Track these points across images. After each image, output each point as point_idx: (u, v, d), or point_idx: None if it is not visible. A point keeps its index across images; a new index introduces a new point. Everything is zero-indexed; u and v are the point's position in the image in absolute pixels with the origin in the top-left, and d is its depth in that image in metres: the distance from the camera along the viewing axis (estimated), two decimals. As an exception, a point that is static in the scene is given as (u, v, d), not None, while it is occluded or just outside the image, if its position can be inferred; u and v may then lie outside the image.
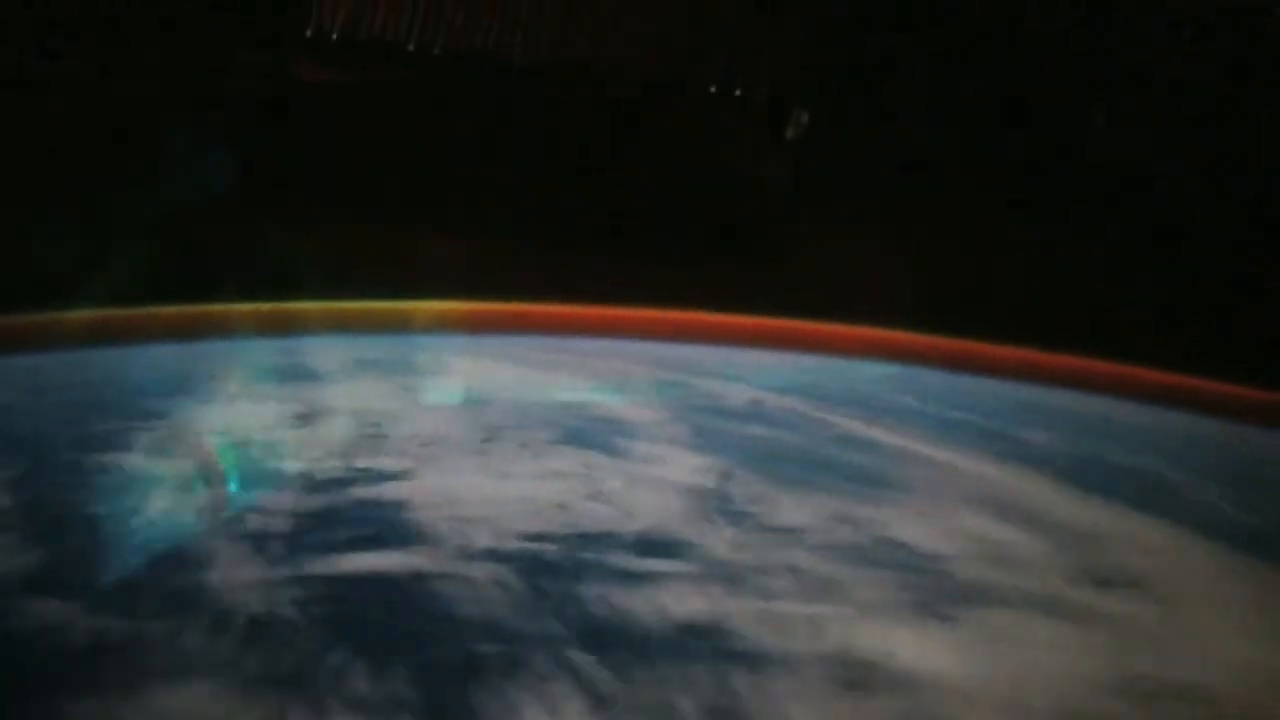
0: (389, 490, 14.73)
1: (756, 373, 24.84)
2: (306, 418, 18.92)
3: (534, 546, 12.60)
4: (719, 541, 12.92)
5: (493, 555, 12.33)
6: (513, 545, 12.60)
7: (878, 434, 19.96)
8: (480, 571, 11.87)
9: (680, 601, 11.29)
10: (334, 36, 4.53)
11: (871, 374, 26.14)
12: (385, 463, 16.08)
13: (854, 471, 16.77)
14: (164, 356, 23.52)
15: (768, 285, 22.00)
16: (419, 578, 11.66)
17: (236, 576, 11.70)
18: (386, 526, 13.22)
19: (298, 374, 22.75)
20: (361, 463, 15.97)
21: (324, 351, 24.88)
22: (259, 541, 12.83)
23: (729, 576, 12.00)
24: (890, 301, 24.99)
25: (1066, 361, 26.65)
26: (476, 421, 18.92)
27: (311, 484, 15.01)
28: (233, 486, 14.97)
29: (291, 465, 15.89)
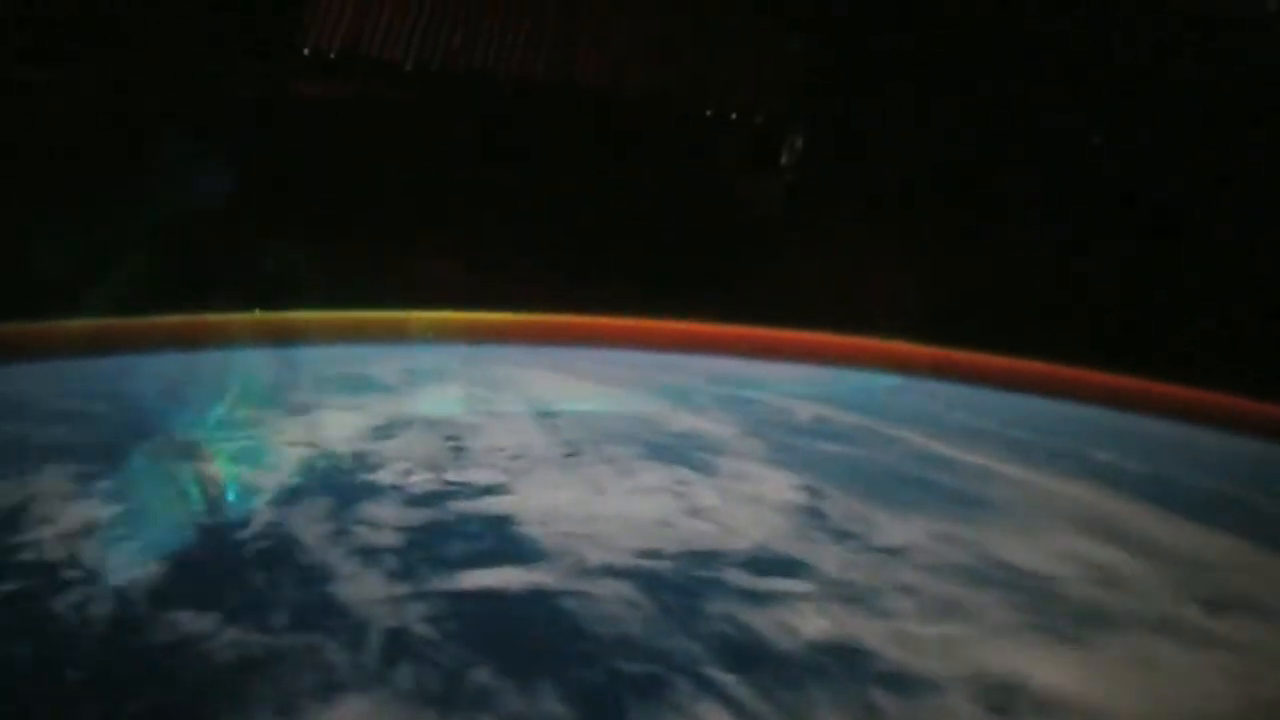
0: (489, 505, 14.78)
1: (805, 385, 24.88)
2: (385, 429, 18.96)
3: (648, 564, 12.62)
4: (828, 560, 12.94)
5: (610, 572, 12.35)
6: (627, 562, 12.63)
7: (951, 451, 19.97)
8: (602, 589, 11.90)
9: (806, 621, 11.31)
10: (331, 56, 4.63)
11: (916, 389, 26.19)
12: (477, 476, 16.12)
13: (942, 490, 16.78)
14: (207, 364, 23.59)
15: (773, 297, 21.86)
16: (542, 594, 11.69)
17: (361, 591, 11.74)
18: (497, 542, 13.26)
19: (357, 384, 22.82)
20: (454, 476, 16.00)
21: (373, 362, 25.01)
22: (373, 556, 12.87)
23: (848, 596, 12.01)
24: (897, 312, 24.94)
25: (1098, 378, 26.67)
26: (554, 435, 18.96)
27: (411, 498, 15.05)
28: (326, 498, 15.01)
29: (384, 478, 15.93)
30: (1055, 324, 25.73)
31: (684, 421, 20.49)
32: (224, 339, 24.78)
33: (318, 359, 24.84)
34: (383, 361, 24.67)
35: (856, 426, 21.44)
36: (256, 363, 23.94)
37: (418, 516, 13.99)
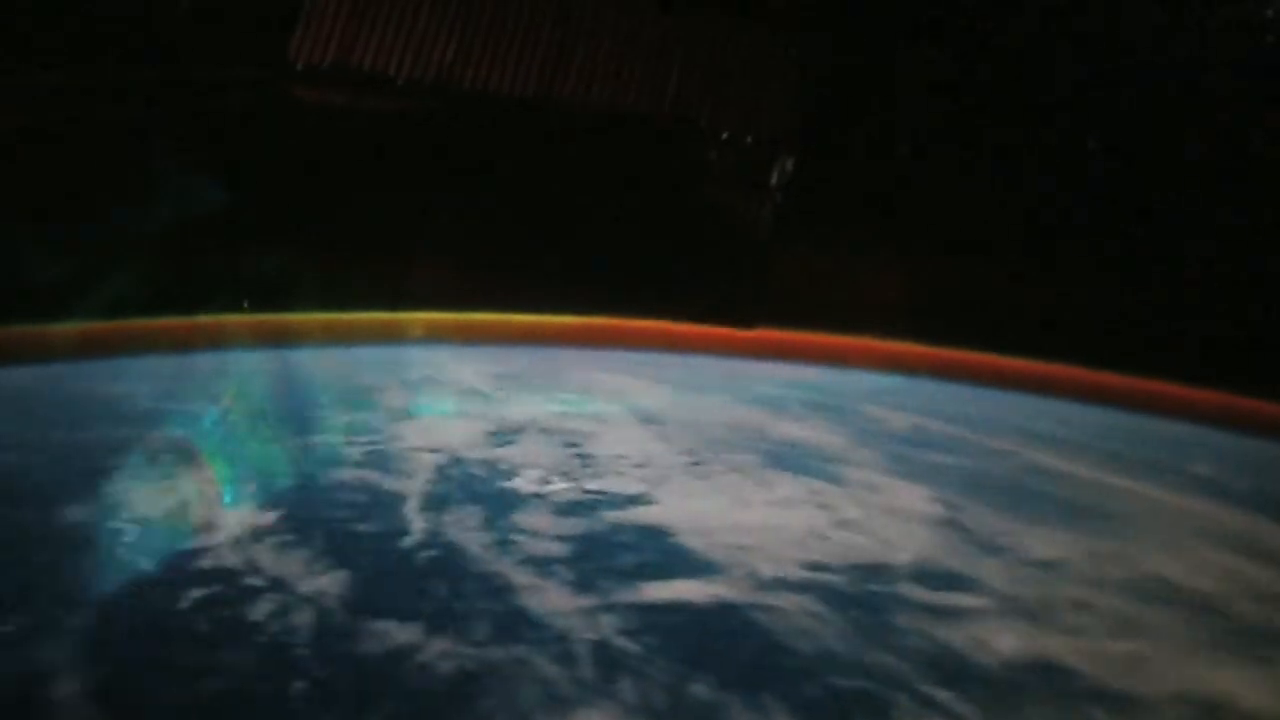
0: (639, 515, 14.85)
1: (886, 393, 25.00)
2: (501, 435, 19.04)
3: (821, 577, 12.72)
4: (991, 575, 13.03)
5: (785, 585, 12.44)
6: (799, 575, 12.72)
7: (1059, 463, 20.10)
8: (785, 602, 11.99)
9: (997, 637, 11.40)
10: (323, 69, 4.70)
11: (977, 396, 26.32)
12: (615, 485, 16.20)
13: (1068, 504, 16.89)
14: (279, 364, 23.63)
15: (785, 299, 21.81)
16: (730, 608, 11.78)
17: (549, 603, 11.83)
18: (662, 554, 13.35)
19: (446, 388, 22.89)
20: (592, 485, 16.08)
21: (445, 365, 25.05)
22: (545, 566, 12.95)
23: (1026, 612, 12.11)
24: (899, 314, 24.95)
25: (1176, 390, 26.76)
26: (669, 443, 19.05)
27: (558, 507, 15.13)
28: (475, 506, 15.09)
29: (523, 486, 16.01)
30: (1121, 336, 25.79)
31: (787, 429, 20.59)
32: (278, 340, 24.82)
33: (382, 361, 24.89)
34: (457, 365, 24.72)
35: (955, 437, 21.55)
36: (334, 364, 24.01)
37: (573, 526, 14.06)
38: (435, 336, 26.74)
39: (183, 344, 23.05)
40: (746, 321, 4.93)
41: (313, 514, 14.37)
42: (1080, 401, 26.23)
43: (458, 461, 16.99)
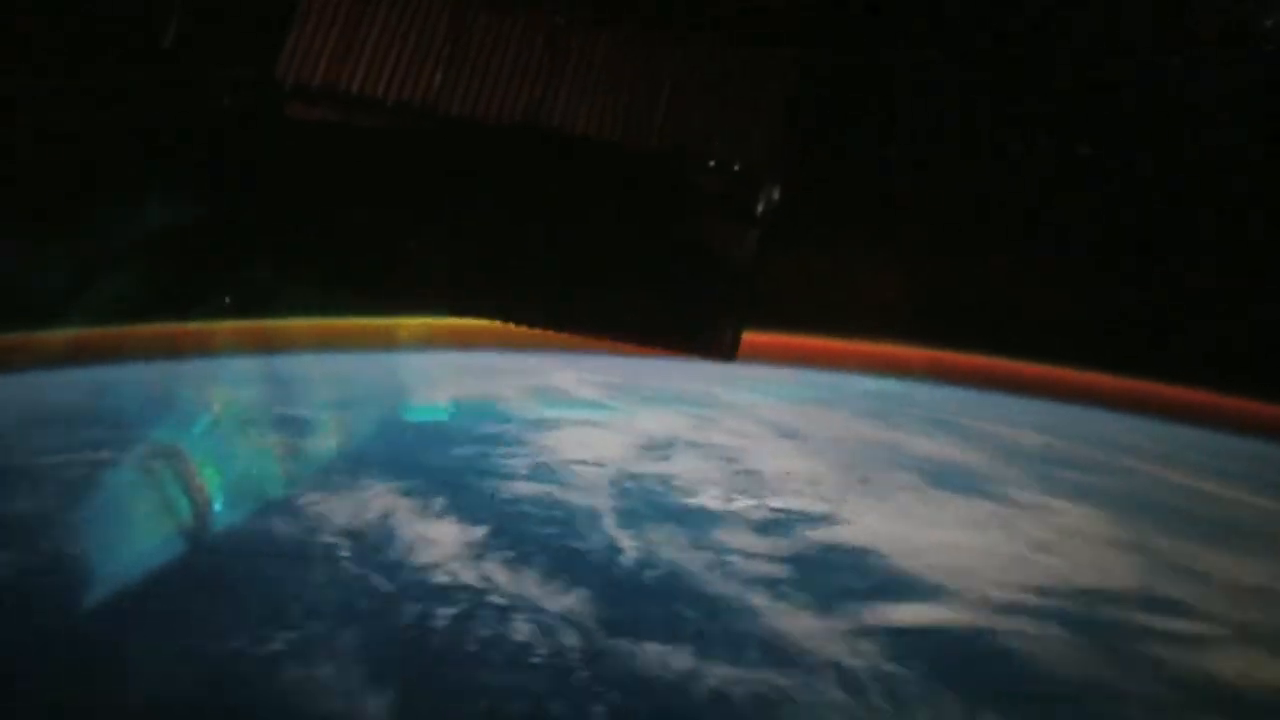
0: (839, 535, 14.92)
1: (993, 409, 25.11)
2: (654, 448, 19.06)
3: (1050, 603, 12.83)
4: (1207, 601, 13.12)
5: (1020, 609, 12.53)
6: (1029, 600, 12.81)
7: (1192, 481, 20.24)
8: (1029, 627, 12.08)
9: (1248, 664, 11.49)
10: (312, 87, 4.74)
11: (1047, 409, 26.47)
12: (797, 503, 16.26)
13: (1229, 523, 17.03)
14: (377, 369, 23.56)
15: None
16: (979, 633, 11.84)
17: (798, 626, 11.88)
18: (881, 575, 13.43)
19: (560, 397, 22.90)
20: (776, 503, 16.13)
21: (545, 373, 25.06)
22: (773, 587, 12.99)
23: (1262, 638, 12.20)
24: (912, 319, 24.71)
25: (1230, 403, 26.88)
26: (822, 459, 19.10)
27: (755, 525, 15.17)
28: (670, 524, 15.12)
29: (709, 503, 16.04)
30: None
31: (922, 446, 20.68)
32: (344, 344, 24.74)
33: (453, 366, 24.82)
34: (559, 373, 24.71)
35: (1084, 456, 21.65)
36: (419, 370, 23.94)
37: (780, 546, 14.11)
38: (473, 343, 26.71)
39: (252, 347, 22.91)
40: (725, 353, 4.99)
41: (518, 529, 14.36)
42: (1123, 409, 26.24)
43: (629, 476, 16.99)
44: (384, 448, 18.32)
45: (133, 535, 13.98)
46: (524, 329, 4.87)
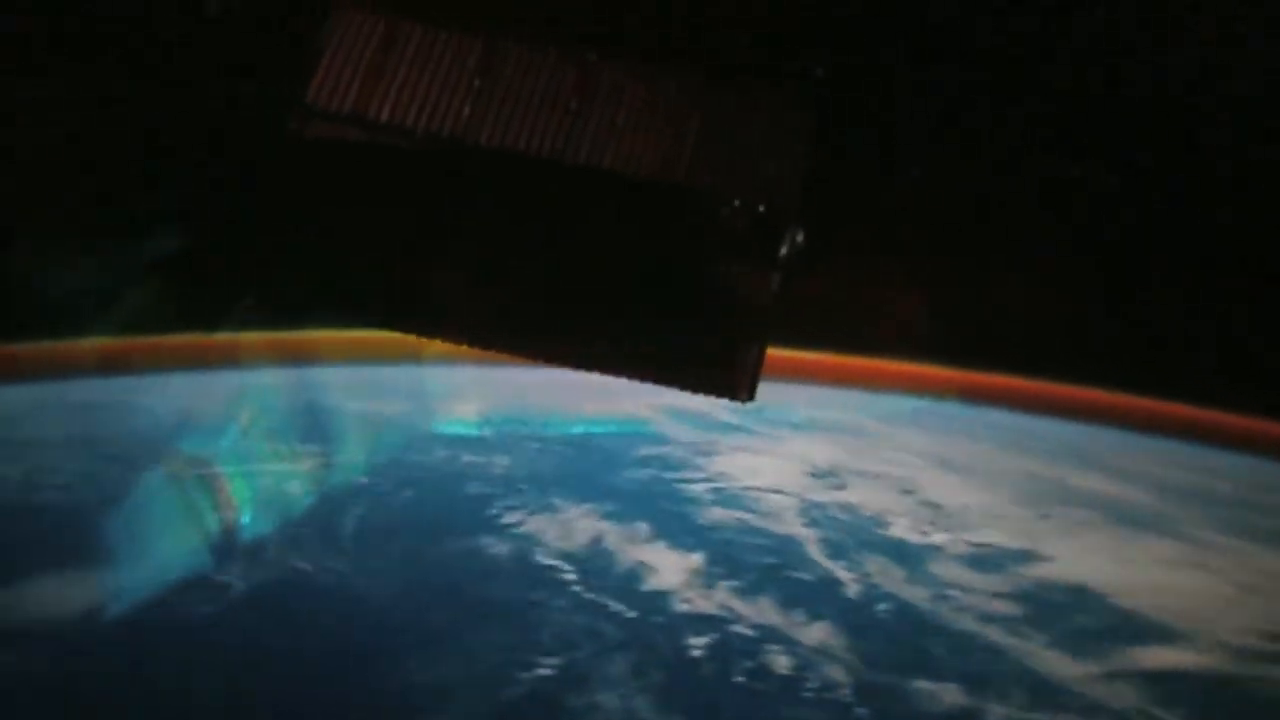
0: (1049, 572, 14.89)
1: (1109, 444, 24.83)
2: (825, 475, 19.07)
3: None
4: None
5: (1260, 654, 12.41)
6: (1264, 645, 12.68)
7: None
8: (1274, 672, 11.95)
9: None
10: (341, 114, 4.72)
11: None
12: (992, 538, 16.20)
13: None
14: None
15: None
16: (1230, 679, 11.76)
17: (1052, 667, 11.85)
18: (1114, 617, 13.40)
19: (695, 418, 22.90)
20: (973, 538, 16.09)
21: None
22: (1009, 626, 12.97)
23: None
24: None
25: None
26: (995, 493, 19.00)
27: (962, 559, 15.14)
28: (873, 554, 15.12)
29: (906, 535, 16.02)
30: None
31: (1083, 481, 20.52)
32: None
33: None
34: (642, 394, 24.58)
35: (1230, 494, 21.43)
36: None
37: (996, 583, 14.10)
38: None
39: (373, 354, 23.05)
40: (743, 394, 5.00)
41: (731, 557, 14.43)
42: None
43: (814, 505, 17.01)
44: (555, 466, 18.42)
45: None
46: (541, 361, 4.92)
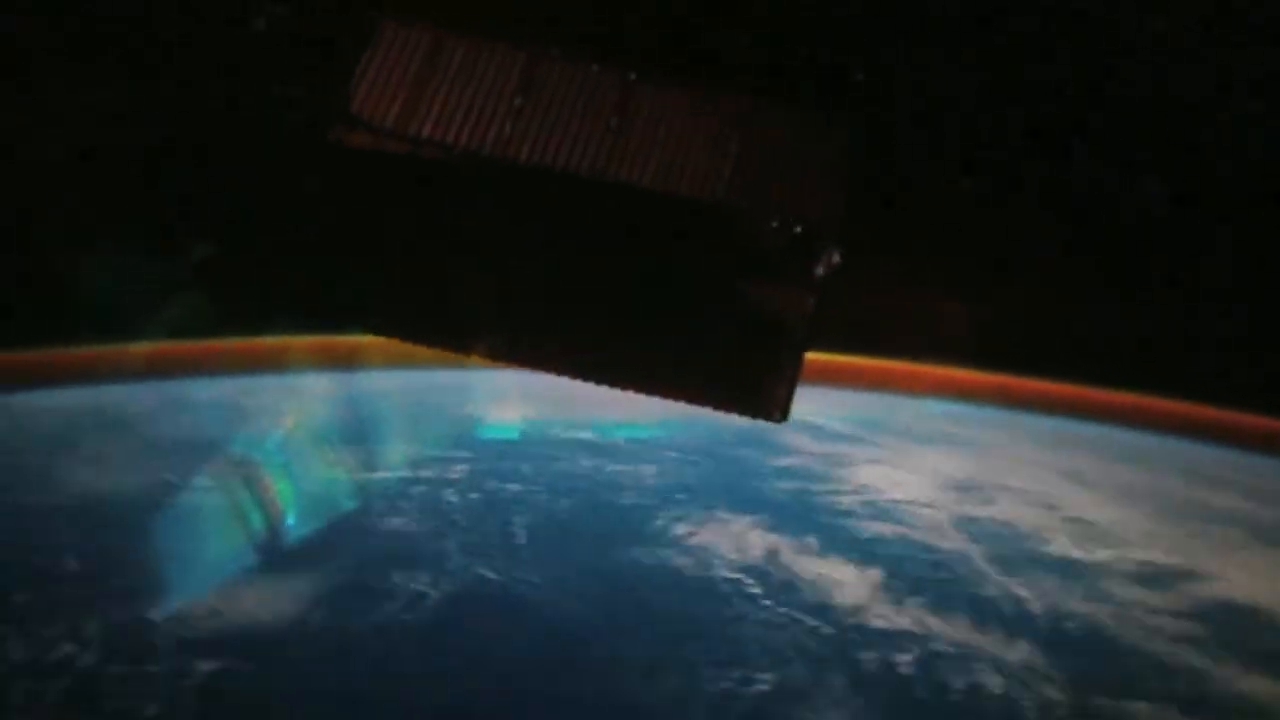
0: (1216, 590, 14.99)
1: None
2: (966, 490, 19.16)
3: None
4: None
5: None
6: None
7: None
8: None
9: None
10: (383, 128, 4.74)
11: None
12: (1148, 555, 16.28)
13: None
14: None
15: None
16: None
17: (1255, 688, 11.88)
18: None
19: (808, 429, 23.00)
20: (1138, 554, 16.15)
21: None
22: (1199, 645, 13.02)
23: None
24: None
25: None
26: (1136, 508, 19.00)
27: (1130, 576, 15.21)
28: (1044, 573, 15.21)
29: (1068, 551, 16.10)
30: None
31: (1216, 500, 20.46)
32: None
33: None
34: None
35: None
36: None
37: (1171, 601, 14.25)
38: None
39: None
40: (776, 415, 5.03)
41: (907, 572, 14.61)
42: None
43: (967, 520, 17.13)
44: (701, 477, 18.68)
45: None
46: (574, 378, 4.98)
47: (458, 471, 18.22)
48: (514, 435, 20.69)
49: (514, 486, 17.84)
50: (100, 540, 13.74)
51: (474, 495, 17.51)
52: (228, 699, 11.07)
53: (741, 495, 17.78)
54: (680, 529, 16.15)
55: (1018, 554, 15.92)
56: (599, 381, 4.83)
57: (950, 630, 12.88)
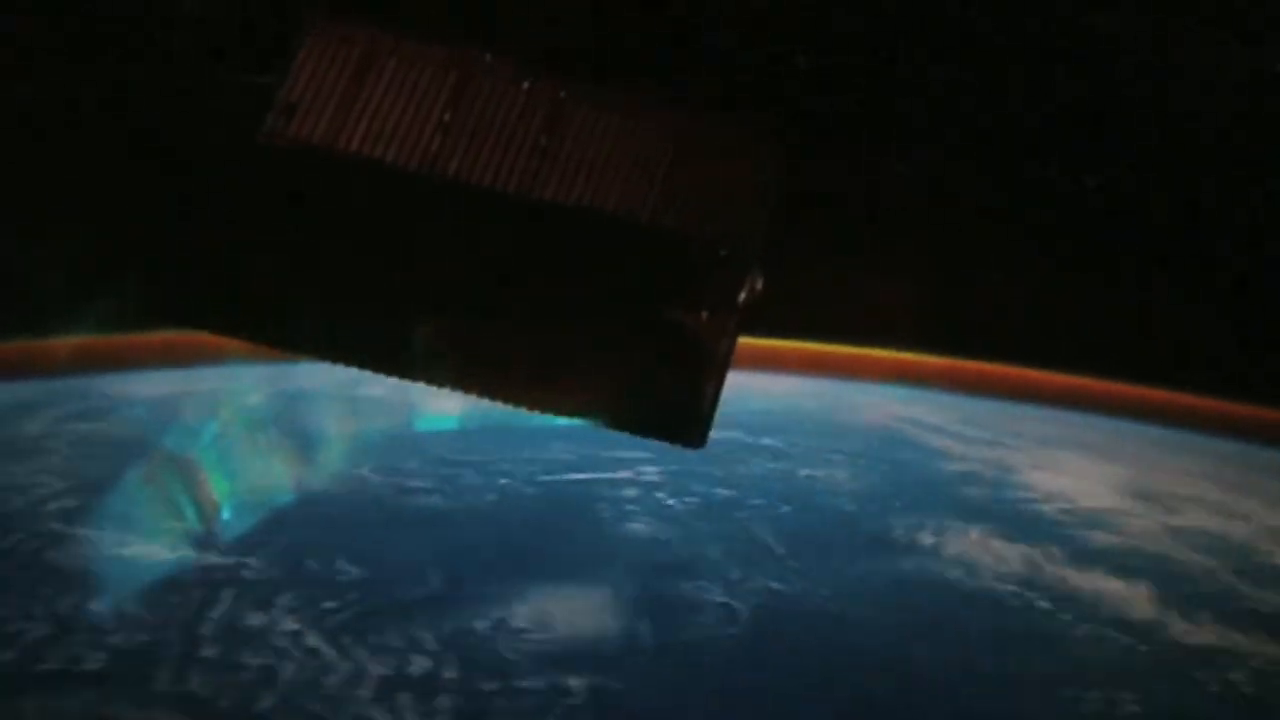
0: None
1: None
2: (1144, 498, 19.41)
3: None
4: None
5: None
6: None
7: None
8: None
9: None
10: (311, 144, 5.02)
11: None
12: None
13: None
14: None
15: None
16: None
17: None
18: None
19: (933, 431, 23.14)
20: None
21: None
22: None
23: None
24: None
25: None
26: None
27: None
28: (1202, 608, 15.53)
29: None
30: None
31: None
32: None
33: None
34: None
35: None
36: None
37: None
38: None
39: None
40: (694, 440, 5.30)
41: (1177, 587, 14.74)
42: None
43: (1175, 530, 17.32)
44: (886, 482, 18.64)
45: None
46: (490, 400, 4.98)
47: (652, 473, 17.90)
48: (452, 426, 20.07)
49: (723, 491, 17.58)
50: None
51: (690, 499, 17.21)
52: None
53: (947, 501, 17.76)
54: (925, 537, 16.09)
55: (1258, 568, 16.13)
56: (511, 404, 4.69)
57: (1255, 646, 13.04)
